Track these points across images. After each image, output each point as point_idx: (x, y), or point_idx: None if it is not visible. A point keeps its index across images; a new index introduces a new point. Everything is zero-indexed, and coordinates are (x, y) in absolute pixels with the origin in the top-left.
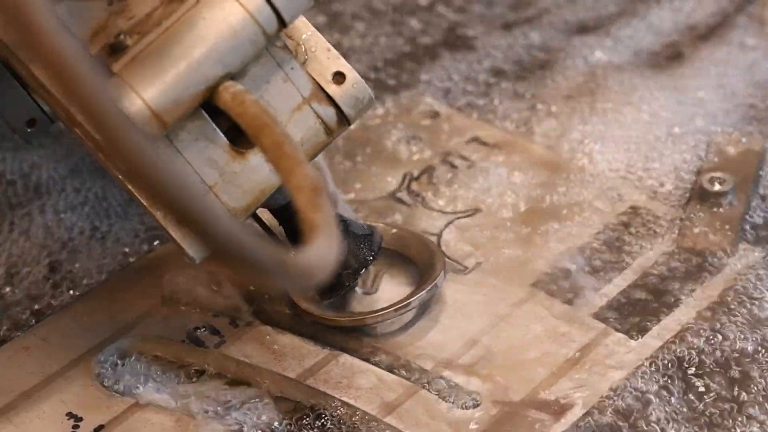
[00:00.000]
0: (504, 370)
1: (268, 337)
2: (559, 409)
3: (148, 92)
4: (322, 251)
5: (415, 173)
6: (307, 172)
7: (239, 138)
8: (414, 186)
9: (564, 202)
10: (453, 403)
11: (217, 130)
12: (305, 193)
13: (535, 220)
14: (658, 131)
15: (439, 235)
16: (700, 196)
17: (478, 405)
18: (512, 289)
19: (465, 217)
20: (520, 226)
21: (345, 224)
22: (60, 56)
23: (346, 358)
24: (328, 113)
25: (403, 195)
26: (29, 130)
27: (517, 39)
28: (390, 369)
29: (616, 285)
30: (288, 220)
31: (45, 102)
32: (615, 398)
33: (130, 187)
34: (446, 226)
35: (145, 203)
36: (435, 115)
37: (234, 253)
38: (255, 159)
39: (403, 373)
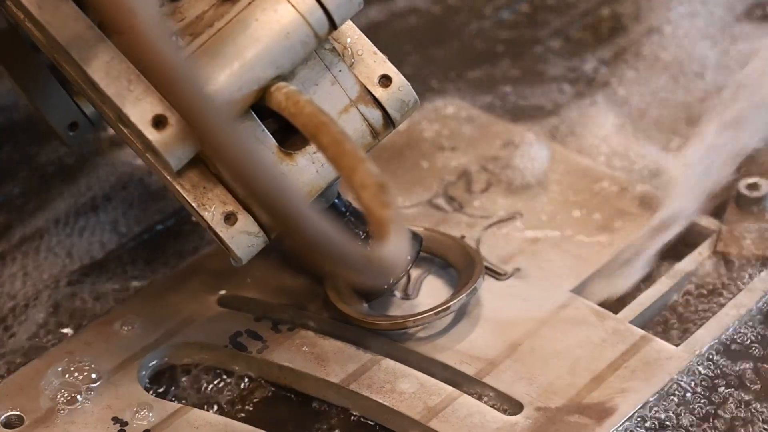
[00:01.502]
0: (545, 376)
1: (310, 342)
2: (601, 415)
3: None
4: (398, 247)
5: (452, 179)
6: (370, 169)
7: (286, 140)
8: (451, 191)
9: (601, 209)
10: (496, 408)
11: (267, 131)
12: (371, 190)
13: (572, 226)
14: None
15: (478, 241)
16: (737, 202)
17: (521, 410)
18: (552, 295)
19: (503, 222)
20: (559, 231)
21: None
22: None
23: (388, 363)
24: (375, 116)
25: (440, 201)
26: (71, 134)
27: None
28: (432, 374)
29: (656, 291)
30: None
31: (92, 104)
32: (656, 404)
33: (177, 187)
34: (484, 231)
35: (193, 206)
36: (470, 120)
37: (322, 250)
38: (302, 160)
39: (445, 377)
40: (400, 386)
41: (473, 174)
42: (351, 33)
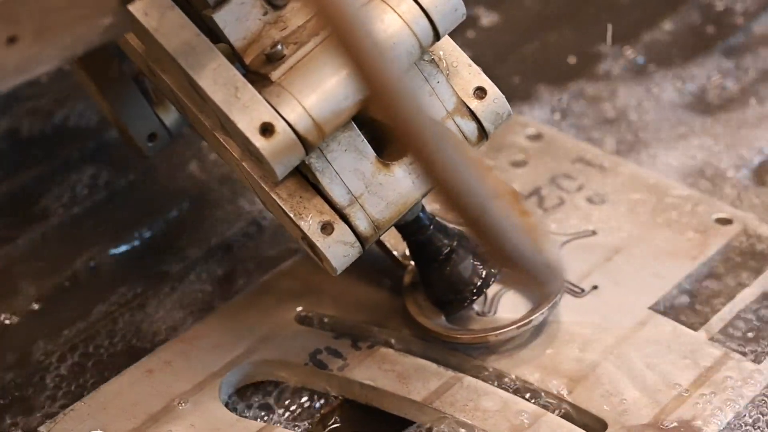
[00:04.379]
0: (628, 394)
1: (390, 359)
2: None
3: (309, 100)
4: (555, 252)
5: (524, 195)
6: (499, 177)
7: (383, 150)
8: (526, 207)
9: (677, 226)
10: (581, 426)
11: (365, 141)
12: (506, 198)
13: (648, 243)
14: None
15: None
16: None
17: (605, 429)
18: (630, 312)
19: (578, 239)
20: (634, 248)
21: (469, 241)
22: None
23: (469, 381)
24: (470, 127)
25: None
26: (150, 144)
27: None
28: (514, 391)
29: (736, 307)
30: (413, 235)
31: (183, 113)
32: (740, 423)
33: (274, 197)
34: (559, 248)
35: (290, 216)
36: (539, 136)
37: (508, 253)
38: (400, 171)
39: (528, 395)
40: (483, 404)
41: (544, 190)
42: (445, 45)
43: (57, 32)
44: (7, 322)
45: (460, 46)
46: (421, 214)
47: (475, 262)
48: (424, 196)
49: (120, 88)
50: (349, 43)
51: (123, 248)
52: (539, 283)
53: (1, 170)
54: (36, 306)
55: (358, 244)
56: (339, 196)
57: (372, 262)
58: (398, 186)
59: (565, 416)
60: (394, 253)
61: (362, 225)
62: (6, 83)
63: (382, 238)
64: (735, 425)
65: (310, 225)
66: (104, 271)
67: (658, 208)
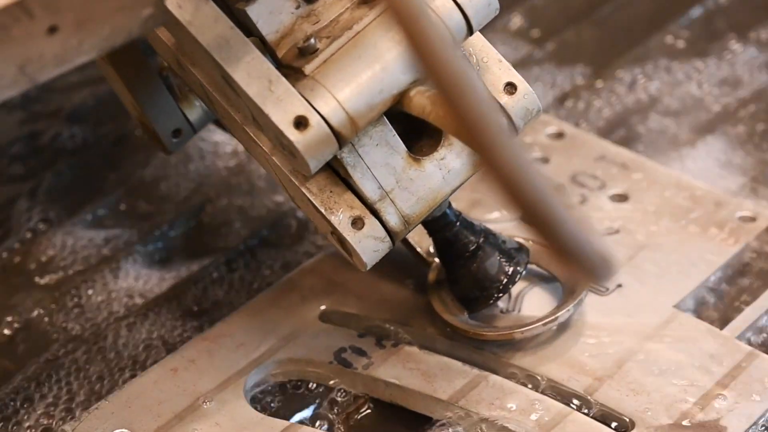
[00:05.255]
0: (654, 393)
1: (415, 357)
2: None
3: (343, 94)
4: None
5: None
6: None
7: (413, 145)
8: None
9: (700, 224)
10: (608, 425)
11: (397, 136)
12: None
13: (674, 241)
14: None
15: None
16: None
17: (633, 428)
18: (655, 311)
19: (604, 237)
20: (658, 247)
21: (495, 237)
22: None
23: (495, 379)
24: None
25: None
26: (174, 140)
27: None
28: (540, 390)
29: (761, 305)
30: (439, 231)
31: (212, 108)
32: (766, 422)
33: (304, 191)
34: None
35: (320, 210)
36: (560, 134)
37: (570, 247)
38: (430, 166)
39: (554, 394)
40: (509, 402)
41: (566, 188)
42: (475, 40)
43: (97, 23)
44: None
45: None
46: (447, 211)
47: (502, 259)
48: (454, 191)
49: (147, 84)
50: (420, 42)
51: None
52: (593, 274)
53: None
54: None
55: (388, 239)
56: (370, 190)
57: (395, 259)
58: (429, 181)
59: (592, 415)
60: (418, 249)
61: (392, 220)
62: (45, 73)
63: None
64: (761, 424)
65: (340, 220)
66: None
67: (682, 206)
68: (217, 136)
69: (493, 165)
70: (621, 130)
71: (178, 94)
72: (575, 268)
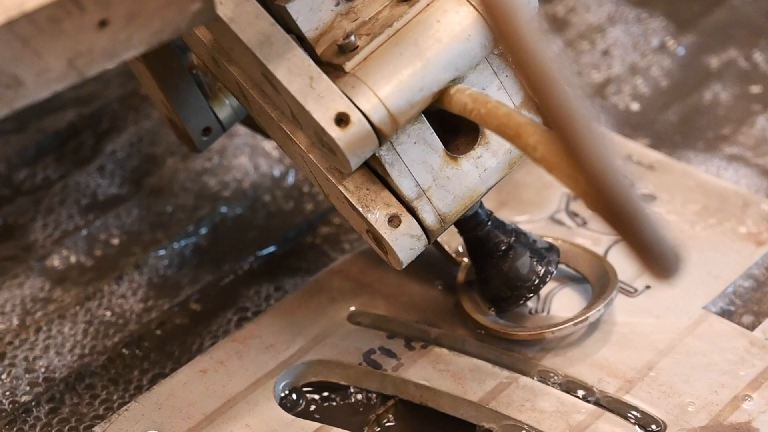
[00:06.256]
0: (686, 395)
1: (445, 359)
2: None
3: (384, 91)
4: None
5: (573, 193)
6: None
7: (449, 143)
8: (574, 207)
9: (729, 224)
10: (640, 427)
11: (434, 134)
12: None
13: (702, 242)
14: None
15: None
16: None
17: (665, 429)
18: (684, 312)
19: None
20: (686, 247)
21: (526, 237)
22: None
23: (525, 381)
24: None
25: (562, 217)
26: (204, 138)
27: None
28: (570, 392)
29: None
30: (471, 231)
31: (246, 105)
32: None
33: (341, 188)
34: (610, 247)
35: (357, 208)
36: None
37: (648, 240)
38: (467, 165)
39: (584, 395)
40: (540, 404)
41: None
42: None
43: (147, 17)
44: None
45: None
46: (479, 210)
47: (533, 259)
48: (489, 190)
49: (178, 82)
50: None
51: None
52: (665, 269)
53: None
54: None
55: (424, 237)
56: (407, 188)
57: (423, 260)
58: (465, 179)
59: (624, 417)
60: (447, 249)
61: (429, 218)
62: (94, 67)
63: None
64: None
65: (377, 218)
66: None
67: (709, 206)
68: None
69: (578, 157)
70: (650, 129)
71: (208, 92)
72: (647, 261)
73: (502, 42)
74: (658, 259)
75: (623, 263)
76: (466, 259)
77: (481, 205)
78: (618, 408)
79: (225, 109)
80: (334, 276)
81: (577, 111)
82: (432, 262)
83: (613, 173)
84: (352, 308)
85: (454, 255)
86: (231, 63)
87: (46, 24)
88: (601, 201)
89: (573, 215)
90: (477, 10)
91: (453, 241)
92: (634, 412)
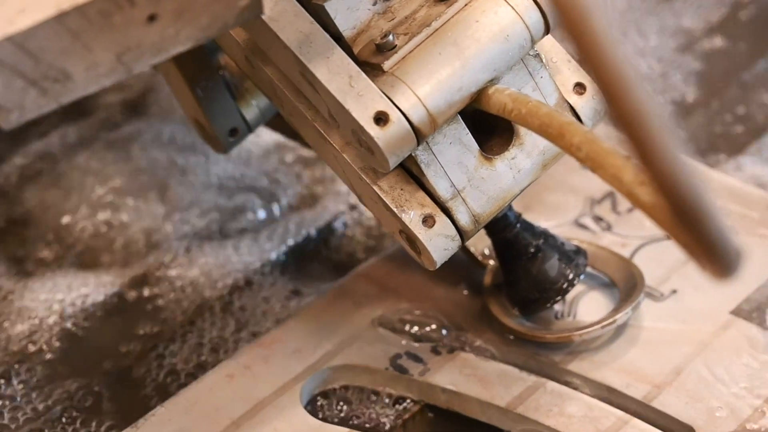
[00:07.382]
0: (713, 401)
1: (471, 364)
2: None
3: (423, 90)
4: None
5: (597, 197)
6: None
7: (483, 144)
8: (597, 211)
9: (754, 230)
10: None
11: (470, 134)
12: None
13: None
14: None
15: None
16: None
17: None
18: (711, 317)
19: (655, 242)
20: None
21: (554, 239)
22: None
23: (553, 386)
24: None
25: (587, 221)
26: (230, 139)
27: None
28: (598, 397)
29: None
30: (500, 232)
31: (278, 105)
32: None
33: (375, 188)
34: (635, 251)
35: (391, 208)
36: (608, 138)
37: (713, 238)
38: (501, 166)
39: (612, 400)
40: (568, 409)
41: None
42: (545, 40)
43: (195, 12)
44: None
45: None
46: (508, 212)
47: (561, 262)
48: (523, 191)
49: (208, 82)
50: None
51: None
52: (725, 268)
53: None
54: None
55: (458, 237)
56: (442, 189)
57: (448, 263)
58: (500, 180)
59: (651, 422)
60: (473, 251)
61: (463, 219)
62: (142, 62)
63: None
64: None
65: (411, 218)
66: None
67: (735, 210)
68: None
69: (649, 158)
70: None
71: (235, 93)
72: (710, 257)
73: (574, 37)
74: (720, 256)
75: (649, 267)
76: (492, 262)
77: (510, 207)
78: (646, 413)
79: (251, 110)
80: (359, 280)
81: (651, 107)
82: (457, 265)
83: (686, 169)
84: (379, 312)
85: (480, 258)
86: (266, 62)
87: (97, 17)
88: (672, 196)
89: (598, 219)
90: (515, 10)
91: (479, 244)
92: (662, 418)
